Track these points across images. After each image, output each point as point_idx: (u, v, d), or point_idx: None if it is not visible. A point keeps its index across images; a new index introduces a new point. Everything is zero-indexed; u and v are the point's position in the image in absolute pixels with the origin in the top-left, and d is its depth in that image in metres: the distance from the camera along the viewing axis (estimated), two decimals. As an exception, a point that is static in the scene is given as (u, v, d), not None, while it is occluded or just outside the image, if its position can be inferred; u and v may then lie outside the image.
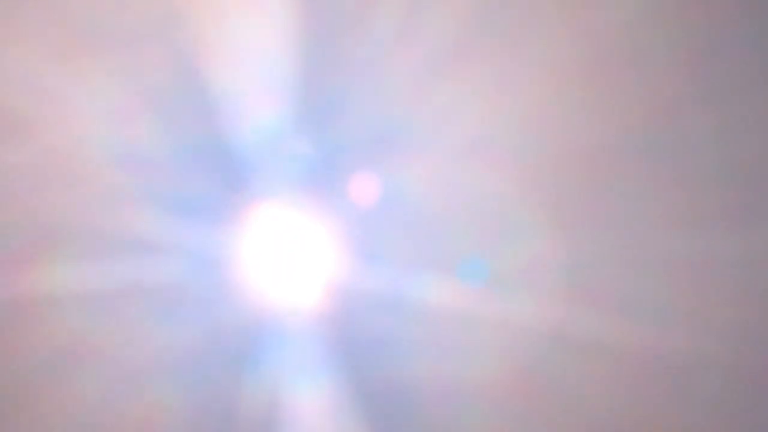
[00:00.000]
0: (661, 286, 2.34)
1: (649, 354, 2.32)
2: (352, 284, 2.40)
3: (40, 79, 2.28)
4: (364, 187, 2.38)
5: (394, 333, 2.38)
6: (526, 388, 2.38)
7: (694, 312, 2.32)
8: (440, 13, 2.33)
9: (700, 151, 2.36)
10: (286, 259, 2.43)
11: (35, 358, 2.31)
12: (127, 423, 2.34)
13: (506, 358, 2.37)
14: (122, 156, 2.32)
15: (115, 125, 2.32)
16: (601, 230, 2.37)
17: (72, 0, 2.30)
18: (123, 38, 2.31)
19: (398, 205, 2.38)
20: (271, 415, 2.34)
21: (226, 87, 2.33)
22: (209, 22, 2.32)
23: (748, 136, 2.38)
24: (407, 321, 2.38)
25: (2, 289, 2.28)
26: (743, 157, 2.38)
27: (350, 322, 2.39)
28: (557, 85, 2.36)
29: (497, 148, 2.38)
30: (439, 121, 2.37)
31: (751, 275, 2.33)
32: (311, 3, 2.33)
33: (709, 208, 2.35)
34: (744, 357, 2.30)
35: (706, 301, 2.32)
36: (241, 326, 2.36)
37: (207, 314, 2.36)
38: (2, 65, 2.26)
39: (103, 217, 2.33)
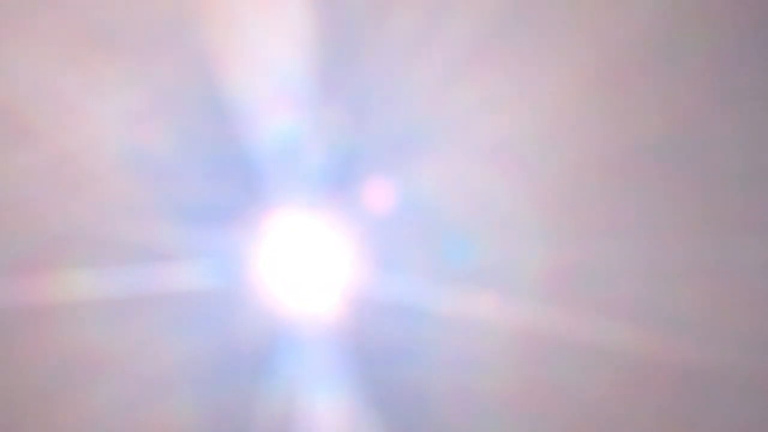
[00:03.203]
0: (677, 294, 2.33)
1: (663, 363, 2.31)
2: (367, 292, 2.37)
3: (52, 82, 2.23)
4: (380, 194, 2.35)
5: (409, 341, 2.37)
6: (539, 396, 2.37)
7: (709, 320, 2.31)
8: (459, 17, 2.29)
9: (717, 158, 2.35)
10: (302, 266, 2.40)
11: (48, 366, 2.28)
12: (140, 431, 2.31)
13: (521, 366, 2.36)
14: (135, 161, 2.28)
15: (127, 130, 2.28)
16: (618, 237, 2.35)
17: (83, 2, 2.24)
18: (135, 41, 2.26)
19: (415, 213, 2.35)
20: (286, 423, 2.33)
21: (241, 91, 2.28)
22: (224, 24, 2.28)
23: (765, 143, 2.37)
24: (422, 329, 2.36)
25: (15, 297, 2.25)
26: (761, 164, 2.36)
27: (366, 330, 2.37)
28: (576, 90, 2.34)
29: (515, 154, 2.35)
30: (456, 127, 2.34)
31: (769, 284, 2.32)
32: (328, 5, 2.29)
33: (725, 215, 2.34)
34: (758, 366, 2.30)
35: (721, 310, 2.32)
36: (256, 334, 2.34)
37: (221, 322, 2.33)
38: (15, 69, 2.21)
39: (116, 224, 2.29)
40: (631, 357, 2.33)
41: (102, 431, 2.30)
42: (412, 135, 2.33)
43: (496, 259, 2.36)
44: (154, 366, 2.31)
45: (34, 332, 2.28)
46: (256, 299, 2.36)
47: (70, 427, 2.29)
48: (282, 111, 2.30)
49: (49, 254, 2.27)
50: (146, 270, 2.28)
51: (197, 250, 2.30)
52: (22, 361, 2.28)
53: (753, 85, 2.36)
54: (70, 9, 2.23)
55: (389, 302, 2.35)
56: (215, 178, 2.31)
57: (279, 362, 2.35)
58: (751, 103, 2.36)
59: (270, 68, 2.30)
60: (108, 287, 2.27)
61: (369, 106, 2.32)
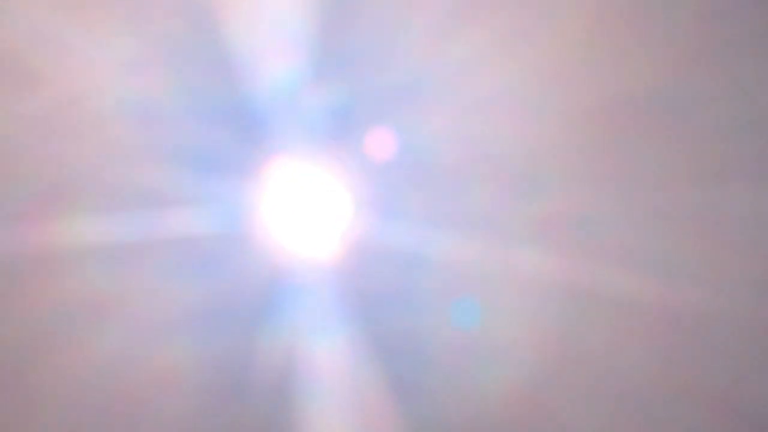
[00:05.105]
0: (675, 241, 2.36)
1: (663, 308, 2.35)
2: (368, 238, 2.39)
3: (54, 28, 2.23)
4: (381, 141, 2.37)
5: (410, 287, 2.39)
6: (540, 341, 2.40)
7: (708, 266, 2.34)
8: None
9: (713, 106, 2.37)
10: (303, 212, 2.42)
11: (51, 312, 2.29)
12: (144, 376, 2.33)
13: (520, 312, 2.39)
14: (137, 107, 2.28)
15: (128, 76, 2.28)
16: (615, 184, 2.38)
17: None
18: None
19: (415, 159, 2.37)
20: (288, 367, 2.35)
21: (241, 37, 2.29)
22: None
23: (760, 92, 2.39)
24: (423, 275, 2.38)
25: (18, 243, 2.26)
26: (756, 112, 2.39)
27: (366, 276, 2.40)
28: (573, 39, 2.36)
29: (513, 102, 2.37)
30: (455, 75, 2.36)
31: (764, 229, 2.36)
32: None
33: (721, 162, 2.37)
34: (756, 311, 2.34)
35: (719, 256, 2.35)
36: (257, 279, 2.36)
37: (223, 268, 2.35)
38: (15, 15, 2.21)
39: (118, 170, 2.30)
40: (626, 302, 2.36)
41: (106, 376, 2.32)
42: (412, 81, 2.34)
43: (494, 206, 2.39)
44: (157, 311, 2.33)
45: (37, 279, 2.29)
46: (257, 245, 2.38)
47: (75, 372, 2.31)
48: (283, 57, 2.31)
49: (51, 200, 2.28)
50: (148, 216, 2.29)
51: (199, 196, 2.31)
52: (26, 307, 2.30)
53: (745, 34, 2.38)
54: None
55: (389, 248, 2.37)
56: (217, 124, 2.32)
57: (281, 307, 2.37)
58: (743, 52, 2.38)
59: (271, 14, 2.30)
60: (110, 233, 2.28)
61: (369, 53, 2.34)
